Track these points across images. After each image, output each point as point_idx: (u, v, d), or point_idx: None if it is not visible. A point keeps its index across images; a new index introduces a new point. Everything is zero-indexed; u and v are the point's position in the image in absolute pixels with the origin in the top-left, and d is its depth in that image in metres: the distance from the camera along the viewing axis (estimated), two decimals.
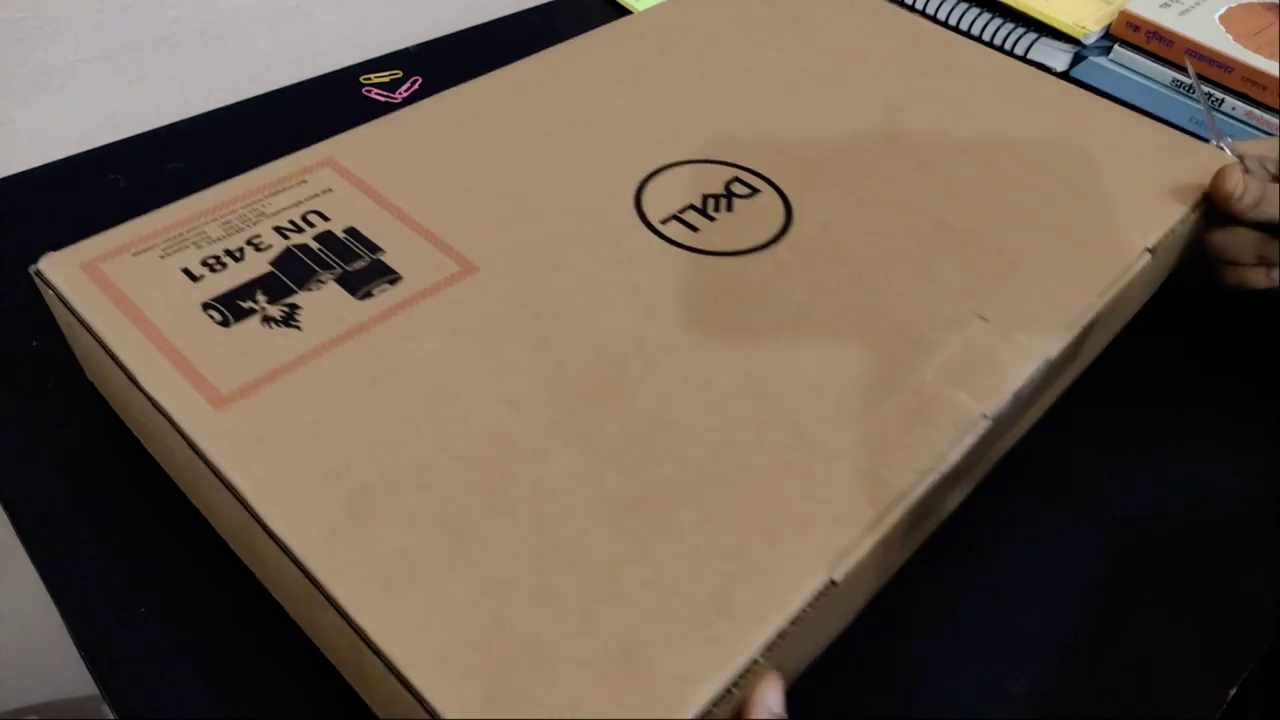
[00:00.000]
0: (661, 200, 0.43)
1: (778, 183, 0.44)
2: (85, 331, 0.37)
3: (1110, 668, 0.37)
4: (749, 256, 0.41)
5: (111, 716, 0.34)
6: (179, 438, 0.33)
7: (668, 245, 0.41)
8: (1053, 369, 0.38)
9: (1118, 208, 0.44)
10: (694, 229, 0.42)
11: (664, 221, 0.42)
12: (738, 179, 0.44)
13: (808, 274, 0.40)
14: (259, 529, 0.31)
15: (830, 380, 0.36)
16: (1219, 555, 0.41)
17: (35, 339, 0.44)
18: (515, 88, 0.49)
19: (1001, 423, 0.36)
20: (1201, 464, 0.44)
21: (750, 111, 0.49)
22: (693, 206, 0.43)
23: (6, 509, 0.40)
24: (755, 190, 0.44)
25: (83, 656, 0.35)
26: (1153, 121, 0.50)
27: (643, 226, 0.42)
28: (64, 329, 0.39)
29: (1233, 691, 0.37)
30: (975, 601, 0.39)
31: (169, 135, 0.58)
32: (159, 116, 0.59)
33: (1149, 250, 0.42)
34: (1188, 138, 0.49)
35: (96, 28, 0.56)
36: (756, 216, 0.43)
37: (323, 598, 0.29)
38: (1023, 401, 0.37)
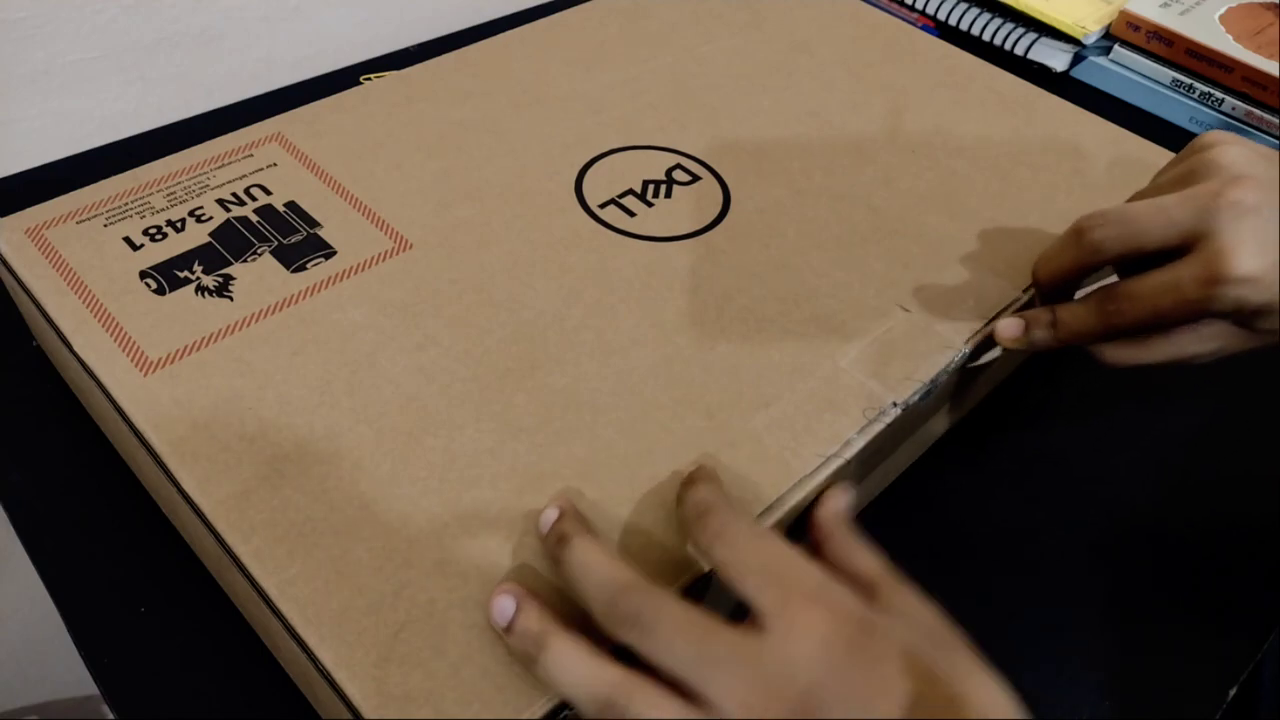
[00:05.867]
0: (602, 184, 0.44)
1: (719, 170, 0.45)
2: (25, 294, 0.38)
3: (1110, 667, 0.37)
4: (682, 242, 0.41)
5: (111, 716, 0.34)
6: (106, 400, 0.34)
7: (602, 229, 0.41)
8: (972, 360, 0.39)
9: (1055, 203, 0.45)
10: (631, 214, 0.42)
11: (602, 206, 0.42)
12: (680, 165, 0.45)
13: (736, 260, 0.40)
14: (175, 490, 0.32)
15: (746, 364, 0.36)
16: (1219, 554, 0.41)
17: (35, 340, 0.44)
18: (469, 68, 0.50)
19: (913, 412, 0.36)
20: (1201, 462, 0.45)
21: (700, 99, 0.49)
22: (632, 191, 0.43)
23: (6, 509, 0.40)
24: (696, 177, 0.44)
25: (83, 656, 0.36)
26: (1102, 119, 0.50)
27: (580, 209, 0.42)
28: (10, 293, 0.40)
29: (1233, 691, 0.37)
30: (971, 600, 0.38)
31: (169, 135, 0.57)
32: (159, 116, 0.59)
33: None
34: (1136, 136, 0.49)
35: (96, 28, 0.56)
36: (695, 203, 0.43)
37: (230, 559, 0.30)
38: (939, 391, 0.37)
